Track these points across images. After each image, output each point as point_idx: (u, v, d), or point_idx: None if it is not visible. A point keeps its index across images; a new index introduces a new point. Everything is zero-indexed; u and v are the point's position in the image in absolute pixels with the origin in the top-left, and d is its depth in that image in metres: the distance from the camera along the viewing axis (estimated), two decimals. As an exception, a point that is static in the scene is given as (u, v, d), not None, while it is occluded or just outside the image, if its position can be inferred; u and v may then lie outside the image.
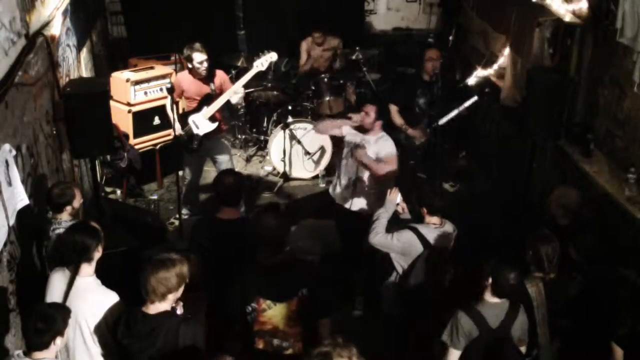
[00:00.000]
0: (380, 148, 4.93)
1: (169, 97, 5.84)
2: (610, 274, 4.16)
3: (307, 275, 3.44)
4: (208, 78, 5.89)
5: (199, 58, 5.72)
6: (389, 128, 6.21)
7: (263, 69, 5.87)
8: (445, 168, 7.26)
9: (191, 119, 5.91)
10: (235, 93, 5.80)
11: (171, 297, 3.19)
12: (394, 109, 6.13)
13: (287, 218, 3.56)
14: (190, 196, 6.41)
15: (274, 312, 3.34)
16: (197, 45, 5.72)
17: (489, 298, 3.44)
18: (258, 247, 3.48)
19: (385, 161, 4.86)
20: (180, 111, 6.13)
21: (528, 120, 5.21)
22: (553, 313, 3.71)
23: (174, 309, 3.26)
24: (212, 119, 5.90)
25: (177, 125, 5.84)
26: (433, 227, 4.16)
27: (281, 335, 3.37)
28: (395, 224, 4.36)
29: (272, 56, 5.82)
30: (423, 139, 6.10)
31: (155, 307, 3.17)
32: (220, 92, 5.89)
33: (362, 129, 5.01)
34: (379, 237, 4.19)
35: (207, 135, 5.93)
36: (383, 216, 4.31)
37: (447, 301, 3.87)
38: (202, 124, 5.90)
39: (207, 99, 5.88)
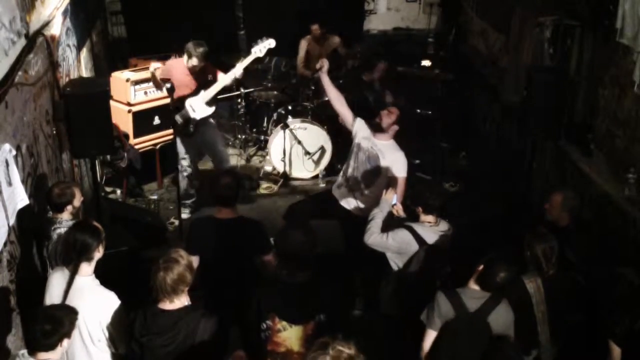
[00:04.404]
0: (393, 162, 4.83)
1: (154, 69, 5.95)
2: (609, 273, 4.16)
3: (327, 300, 3.32)
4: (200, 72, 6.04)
5: (196, 62, 5.86)
6: None
7: (261, 55, 5.95)
8: (445, 168, 7.29)
9: (188, 102, 6.01)
10: (234, 77, 5.93)
11: (186, 291, 3.22)
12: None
13: (314, 236, 3.40)
14: (189, 188, 6.46)
15: (288, 334, 3.26)
16: (201, 51, 5.80)
17: (472, 285, 3.48)
18: (281, 265, 3.38)
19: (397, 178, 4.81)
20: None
21: (528, 120, 5.21)
22: (554, 313, 3.71)
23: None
24: (209, 103, 6.03)
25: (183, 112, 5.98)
26: (428, 226, 4.17)
27: (295, 358, 3.28)
28: (392, 223, 4.37)
29: (270, 43, 5.88)
30: None
31: (174, 304, 3.19)
32: (214, 78, 6.02)
33: (376, 126, 4.88)
34: (374, 237, 4.20)
35: (202, 119, 6.06)
36: (378, 216, 4.32)
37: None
38: (199, 107, 6.02)
39: (204, 84, 5.99)
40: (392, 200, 4.42)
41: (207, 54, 5.86)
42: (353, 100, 6.13)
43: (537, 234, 3.77)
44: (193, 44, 5.83)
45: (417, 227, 4.15)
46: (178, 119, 6.04)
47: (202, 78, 6.03)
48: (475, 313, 3.43)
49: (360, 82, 6.23)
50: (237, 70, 5.88)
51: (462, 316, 3.42)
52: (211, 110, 6.04)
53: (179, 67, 6.00)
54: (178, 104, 6.00)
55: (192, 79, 6.01)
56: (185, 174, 6.38)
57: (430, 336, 3.51)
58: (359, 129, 5.03)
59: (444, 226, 4.21)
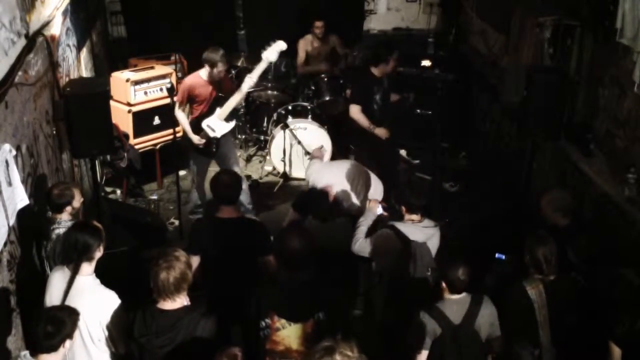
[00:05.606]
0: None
1: (176, 104, 5.80)
2: (609, 274, 4.16)
3: (326, 298, 3.33)
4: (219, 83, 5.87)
5: (221, 67, 5.66)
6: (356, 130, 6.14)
7: (274, 60, 5.69)
8: (445, 168, 7.28)
9: (205, 123, 5.83)
10: (247, 89, 5.79)
11: (186, 290, 3.23)
12: (356, 108, 6.05)
13: (311, 237, 3.43)
14: (199, 196, 6.40)
15: (287, 333, 3.27)
16: (222, 53, 5.61)
17: (448, 295, 3.50)
18: (280, 266, 3.40)
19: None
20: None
21: (528, 120, 5.21)
22: (555, 314, 3.70)
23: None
24: (228, 118, 5.87)
25: (189, 129, 5.84)
26: (411, 224, 4.20)
27: (294, 357, 3.29)
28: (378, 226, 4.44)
29: (281, 45, 5.60)
30: (388, 135, 6.08)
31: (174, 304, 3.20)
32: (229, 92, 5.86)
33: None
34: (359, 243, 4.31)
35: (223, 135, 5.92)
36: (363, 224, 4.41)
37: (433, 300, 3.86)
38: (218, 126, 5.85)
39: (217, 101, 5.83)
40: (376, 210, 4.53)
41: (225, 55, 5.68)
42: (355, 100, 6.13)
43: (537, 237, 3.77)
44: (211, 51, 5.59)
45: (400, 226, 4.19)
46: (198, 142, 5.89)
47: (219, 91, 5.83)
48: (461, 324, 3.45)
49: (369, 77, 6.08)
50: (252, 81, 5.68)
51: (448, 331, 3.44)
52: (231, 125, 5.86)
53: (200, 82, 5.75)
54: (195, 123, 5.86)
55: (211, 92, 5.79)
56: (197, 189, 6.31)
57: (423, 356, 3.51)
58: None
59: (428, 223, 4.26)
